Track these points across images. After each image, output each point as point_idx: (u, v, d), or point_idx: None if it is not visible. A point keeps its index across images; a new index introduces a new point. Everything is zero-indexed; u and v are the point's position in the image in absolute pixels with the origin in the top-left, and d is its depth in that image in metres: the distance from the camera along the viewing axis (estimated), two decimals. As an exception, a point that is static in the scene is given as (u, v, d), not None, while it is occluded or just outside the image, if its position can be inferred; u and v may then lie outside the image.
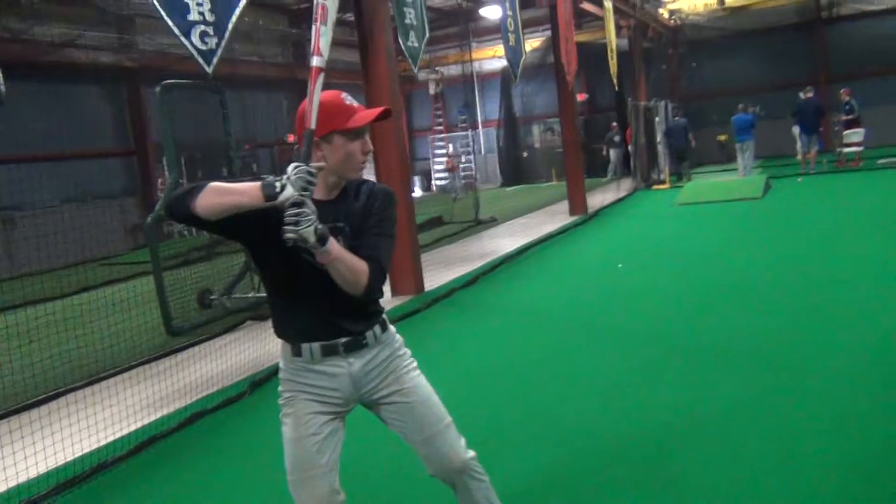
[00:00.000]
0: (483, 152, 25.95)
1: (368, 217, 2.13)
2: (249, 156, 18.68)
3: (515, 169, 24.67)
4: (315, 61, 2.02)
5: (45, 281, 8.65)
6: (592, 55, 18.31)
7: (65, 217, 10.83)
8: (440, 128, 25.69)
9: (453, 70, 23.67)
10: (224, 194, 1.93)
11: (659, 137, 18.48)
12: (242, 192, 1.92)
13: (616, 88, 17.29)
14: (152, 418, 4.68)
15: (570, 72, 12.59)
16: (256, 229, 2.03)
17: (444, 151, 24.75)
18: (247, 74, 17.61)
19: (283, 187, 1.86)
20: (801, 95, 15.93)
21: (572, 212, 13.51)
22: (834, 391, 3.91)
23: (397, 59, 8.27)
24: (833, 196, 12.37)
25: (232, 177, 8.91)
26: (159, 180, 16.22)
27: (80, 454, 4.09)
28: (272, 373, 5.29)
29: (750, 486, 2.99)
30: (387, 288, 7.97)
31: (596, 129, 22.82)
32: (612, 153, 21.50)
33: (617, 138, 21.34)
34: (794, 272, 6.93)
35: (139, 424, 4.57)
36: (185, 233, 13.63)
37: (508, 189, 22.72)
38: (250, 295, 8.16)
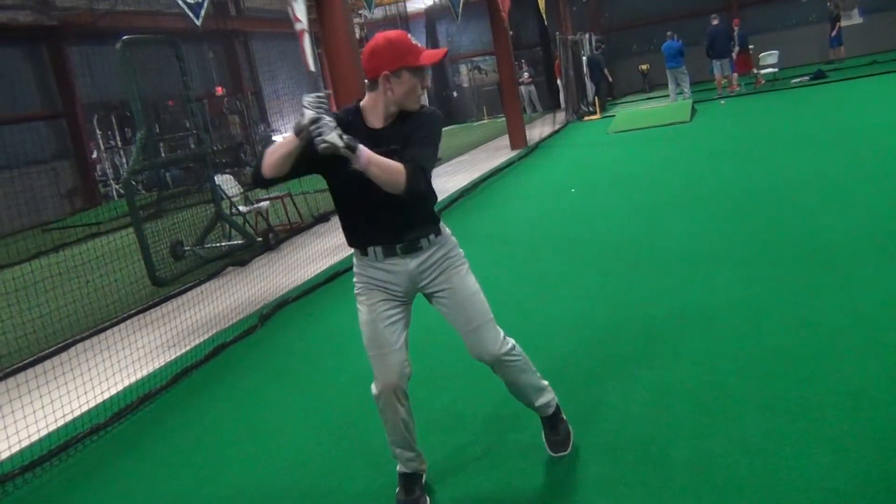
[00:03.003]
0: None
1: (414, 132, 2.45)
2: (178, 111, 18.20)
3: (444, 109, 24.97)
4: (298, 26, 2.68)
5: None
6: (514, -8, 18.62)
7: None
8: (367, 71, 25.65)
9: (377, 13, 23.55)
10: (273, 152, 2.32)
11: (584, 70, 19.08)
12: (283, 142, 2.31)
13: (545, 23, 17.67)
14: (171, 357, 4.98)
15: (504, 9, 12.90)
16: (320, 162, 2.37)
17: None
18: (170, 27, 17.12)
19: (303, 116, 2.23)
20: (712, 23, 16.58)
21: (513, 146, 13.99)
22: (781, 274, 4.57)
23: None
24: (754, 115, 13.19)
25: (195, 129, 8.95)
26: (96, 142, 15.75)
27: (115, 391, 4.40)
28: (278, 305, 5.65)
29: (726, 349, 3.63)
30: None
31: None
32: (523, 90, 22.13)
33: (525, 75, 21.98)
34: (731, 184, 7.60)
35: (161, 363, 4.87)
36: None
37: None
38: (223, 244, 8.40)
